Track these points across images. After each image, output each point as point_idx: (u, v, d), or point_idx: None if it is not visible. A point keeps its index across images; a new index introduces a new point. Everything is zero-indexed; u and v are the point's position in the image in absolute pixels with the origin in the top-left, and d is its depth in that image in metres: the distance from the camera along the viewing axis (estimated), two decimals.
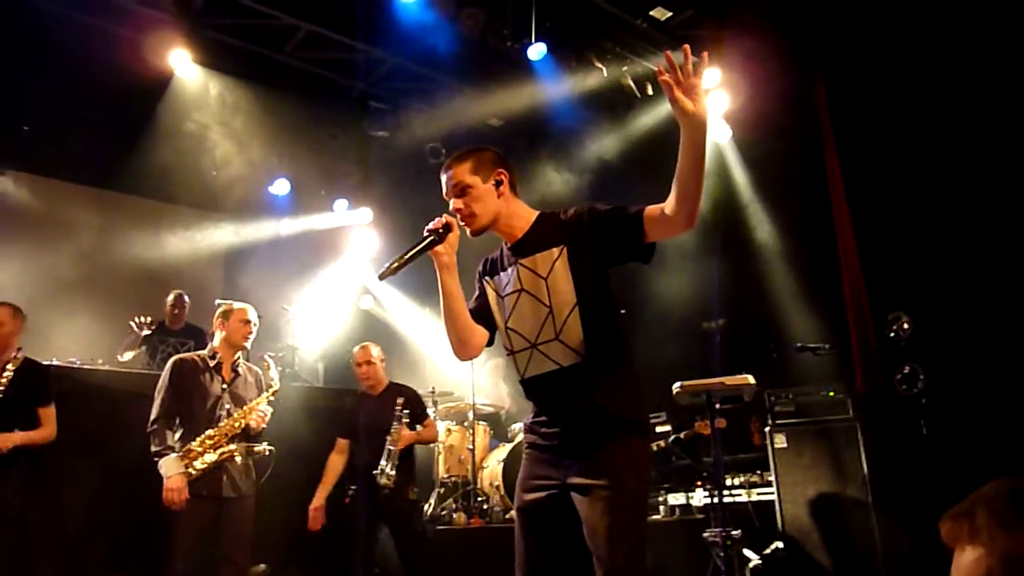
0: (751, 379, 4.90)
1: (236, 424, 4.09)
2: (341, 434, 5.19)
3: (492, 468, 6.14)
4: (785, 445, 5.69)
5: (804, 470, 5.59)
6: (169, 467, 3.89)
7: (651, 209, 2.22)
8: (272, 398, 4.29)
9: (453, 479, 6.11)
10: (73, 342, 6.21)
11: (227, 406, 4.14)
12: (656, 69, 2.05)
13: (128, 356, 5.70)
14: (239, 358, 4.35)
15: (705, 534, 5.05)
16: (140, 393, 4.39)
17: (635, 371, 2.38)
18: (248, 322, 4.31)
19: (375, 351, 5.26)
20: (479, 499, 5.91)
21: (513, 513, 2.42)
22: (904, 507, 5.11)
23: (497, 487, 5.97)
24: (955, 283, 5.51)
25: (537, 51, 6.60)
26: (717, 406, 5.08)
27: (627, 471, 2.21)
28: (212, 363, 4.23)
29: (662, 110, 7.27)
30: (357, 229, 8.51)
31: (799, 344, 5.91)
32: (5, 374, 4.21)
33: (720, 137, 7.23)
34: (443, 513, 5.75)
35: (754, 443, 6.24)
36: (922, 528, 4.60)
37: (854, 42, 6.27)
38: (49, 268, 6.68)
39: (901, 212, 5.90)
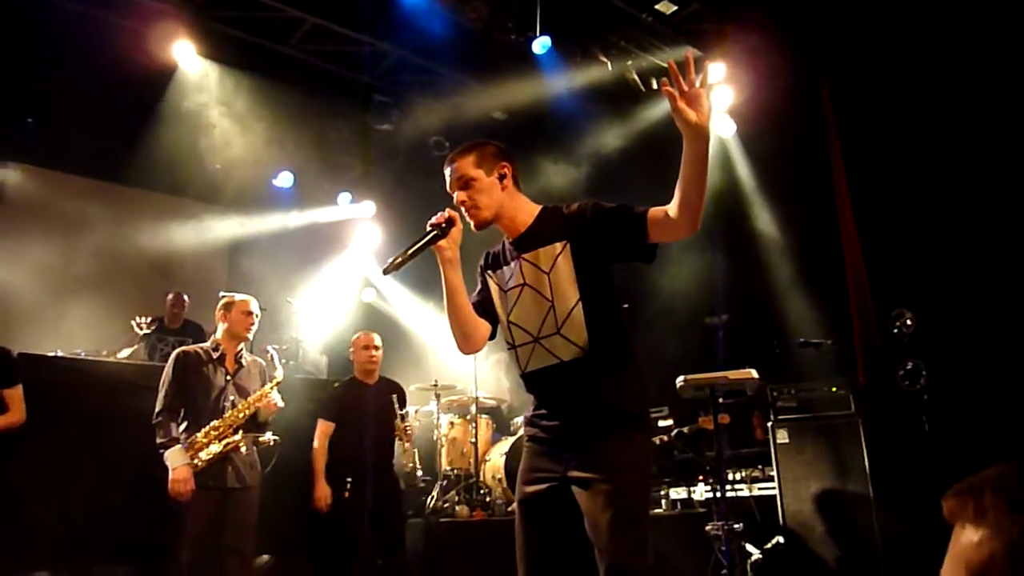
0: (754, 373, 4.91)
1: (240, 415, 4.11)
2: (329, 418, 5.06)
3: (494, 461, 6.16)
4: (787, 440, 5.71)
5: (806, 465, 5.61)
6: (175, 458, 3.90)
7: (655, 211, 2.22)
8: (276, 389, 4.29)
9: (456, 472, 6.13)
10: (78, 334, 6.22)
11: (231, 397, 4.16)
12: (662, 81, 2.05)
13: (126, 353, 5.71)
14: (242, 350, 4.37)
15: (707, 528, 5.07)
16: (145, 385, 4.41)
17: (637, 366, 2.38)
18: (250, 314, 4.32)
19: (377, 338, 5.28)
20: (481, 492, 5.94)
21: (515, 506, 2.42)
22: (905, 503, 5.11)
23: (499, 480, 5.99)
24: (958, 279, 5.50)
25: (541, 44, 6.58)
26: (720, 400, 5.10)
27: (629, 465, 2.22)
28: (215, 355, 4.25)
29: (667, 105, 7.21)
30: (360, 222, 8.52)
31: (802, 339, 5.92)
32: None
33: (724, 132, 7.22)
34: (445, 506, 5.77)
35: (756, 438, 6.26)
36: (923, 524, 4.60)
37: (858, 38, 6.25)
38: (53, 260, 6.69)
39: (905, 208, 5.89)
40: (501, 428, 6.89)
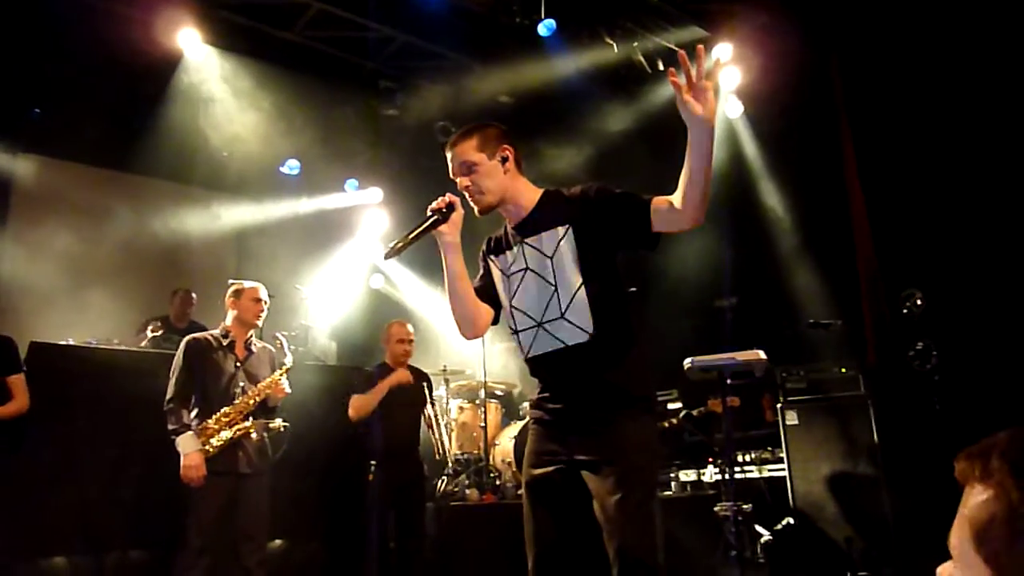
0: (762, 354, 4.88)
1: (251, 401, 4.13)
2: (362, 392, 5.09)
3: (504, 445, 6.18)
4: (797, 421, 5.71)
5: (816, 446, 5.61)
6: (186, 445, 3.94)
7: (659, 201, 2.21)
8: (286, 375, 4.32)
9: (466, 456, 6.16)
10: (88, 321, 6.24)
11: (241, 384, 4.18)
12: (669, 71, 2.03)
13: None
14: (252, 336, 4.39)
15: (716, 509, 5.08)
16: (156, 372, 4.42)
17: (642, 348, 2.38)
18: (259, 300, 4.35)
19: (411, 328, 5.34)
20: (491, 475, 5.96)
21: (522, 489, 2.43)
22: (916, 484, 5.10)
23: (509, 464, 6.01)
24: (969, 258, 5.46)
25: (546, 26, 6.54)
26: (728, 382, 5.08)
27: (636, 447, 2.22)
28: (225, 342, 4.27)
29: (672, 86, 7.17)
30: (368, 208, 8.51)
31: (811, 320, 5.89)
32: None
33: (731, 112, 7.17)
34: (456, 490, 5.80)
35: (766, 419, 6.25)
36: (933, 504, 4.59)
37: (868, 17, 6.18)
38: (62, 248, 6.71)
39: (914, 187, 5.85)
40: (510, 412, 6.91)
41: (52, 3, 6.10)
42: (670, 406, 6.57)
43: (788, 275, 6.70)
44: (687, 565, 4.95)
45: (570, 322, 2.30)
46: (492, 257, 2.53)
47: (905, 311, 5.60)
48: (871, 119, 6.29)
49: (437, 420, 5.41)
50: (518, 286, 2.41)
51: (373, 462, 4.94)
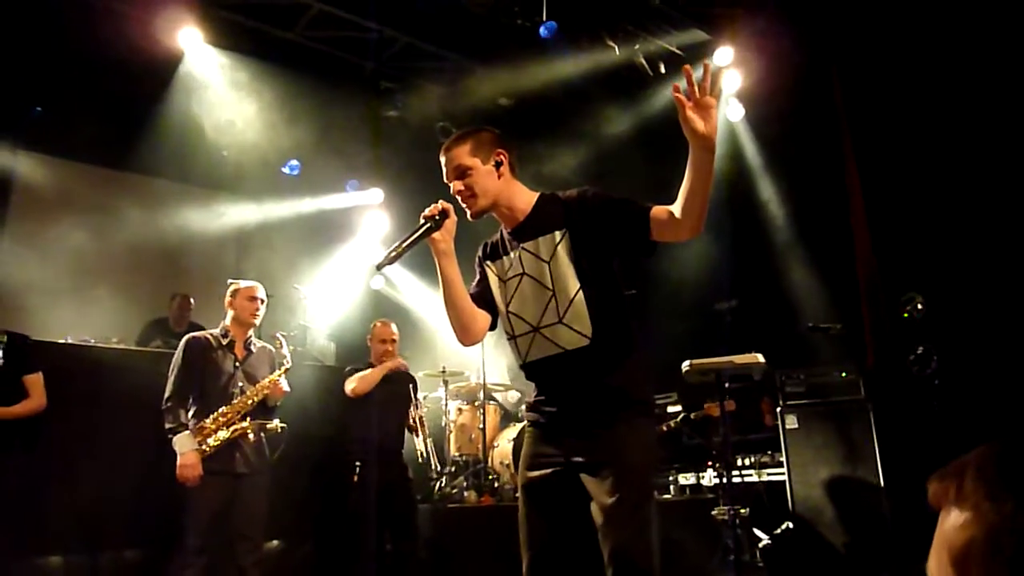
0: (760, 358, 4.89)
1: (249, 401, 4.12)
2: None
3: (502, 447, 6.17)
4: (796, 425, 5.69)
5: (815, 451, 5.59)
6: (183, 444, 3.93)
7: (658, 210, 2.19)
8: (284, 375, 4.30)
9: (464, 458, 6.15)
10: (87, 320, 6.24)
11: (240, 383, 4.17)
12: (673, 85, 2.02)
13: None
14: (251, 336, 4.37)
15: (715, 513, 5.06)
16: (155, 371, 4.41)
17: (641, 352, 2.36)
18: (255, 299, 4.32)
19: (395, 329, 5.32)
20: (490, 477, 5.95)
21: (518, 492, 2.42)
22: (916, 489, 5.04)
23: (507, 466, 6.00)
24: (969, 263, 5.45)
25: (547, 28, 6.53)
26: (727, 385, 5.08)
27: (633, 449, 2.21)
28: (224, 341, 4.26)
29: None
30: (368, 209, 8.51)
31: (811, 324, 5.88)
32: None
33: (733, 115, 7.17)
34: (454, 491, 5.78)
35: (765, 423, 6.24)
36: (933, 510, 4.57)
37: (868, 21, 6.18)
38: (62, 247, 6.71)
39: (915, 191, 5.83)
40: (509, 414, 6.90)
41: (53, 2, 6.10)
42: (669, 409, 6.56)
43: (787, 278, 6.70)
44: (685, 569, 4.93)
45: (568, 327, 2.28)
46: (488, 262, 2.51)
47: (905, 315, 5.58)
48: (871, 123, 6.28)
49: (422, 422, 5.38)
50: (515, 291, 2.39)
51: (358, 463, 4.93)
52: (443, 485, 5.78)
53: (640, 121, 7.48)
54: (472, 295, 2.45)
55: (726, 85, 6.98)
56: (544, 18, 6.47)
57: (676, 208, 2.13)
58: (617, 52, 7.08)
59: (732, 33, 6.85)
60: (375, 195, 8.47)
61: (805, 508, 5.54)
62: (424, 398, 6.50)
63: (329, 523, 5.29)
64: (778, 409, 5.79)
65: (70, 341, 5.17)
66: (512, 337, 2.42)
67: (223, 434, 4.02)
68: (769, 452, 6.05)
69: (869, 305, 6.14)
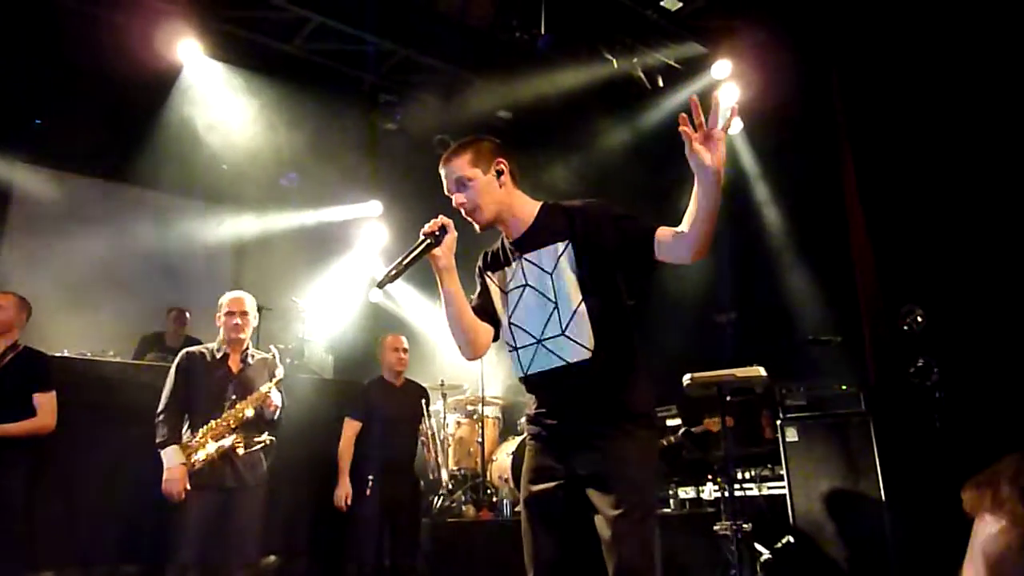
0: (762, 371, 4.88)
1: (239, 415, 4.07)
2: (357, 417, 5.08)
3: (501, 461, 6.14)
4: (796, 439, 5.65)
5: (816, 464, 5.55)
6: (169, 458, 3.90)
7: (663, 232, 2.17)
8: (277, 388, 4.25)
9: (463, 472, 6.11)
10: (83, 333, 6.21)
11: (232, 397, 4.13)
12: (680, 117, 1.99)
13: None
14: (248, 348, 4.34)
15: (716, 527, 5.03)
16: (150, 384, 4.39)
17: (642, 365, 2.34)
18: (232, 314, 4.24)
19: (405, 340, 5.31)
20: (488, 492, 5.91)
21: (520, 506, 2.39)
22: (917, 502, 5.06)
23: (506, 480, 5.96)
24: (969, 274, 5.44)
25: (546, 42, 6.54)
26: (728, 399, 5.06)
27: (637, 463, 2.20)
28: (219, 355, 4.23)
29: (672, 102, 7.23)
30: (366, 222, 8.50)
31: (811, 336, 5.87)
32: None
33: (732, 129, 7.17)
34: (452, 506, 5.75)
35: (765, 436, 6.21)
36: (935, 523, 4.55)
37: (868, 33, 6.20)
38: (59, 259, 6.70)
39: (915, 203, 5.83)
40: (508, 428, 6.86)
41: (53, 14, 6.11)
42: (669, 422, 6.52)
43: (787, 290, 6.69)
44: None
45: (571, 339, 2.26)
46: (489, 273, 2.49)
47: (905, 327, 5.56)
48: (870, 135, 6.29)
49: (433, 437, 5.35)
50: (517, 302, 2.37)
51: (371, 477, 4.89)
52: (442, 499, 5.74)
53: (638, 133, 7.49)
54: (474, 307, 2.43)
55: (725, 98, 6.97)
56: (542, 31, 6.48)
57: (681, 231, 2.11)
58: (615, 65, 7.10)
59: (730, 46, 6.87)
60: (374, 207, 8.48)
61: (806, 522, 5.49)
62: None
63: (328, 539, 5.24)
64: (778, 422, 5.75)
65: (67, 354, 5.15)
66: (514, 349, 2.39)
67: (212, 447, 3.98)
68: (769, 465, 6.01)
69: (869, 317, 6.12)
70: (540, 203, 2.43)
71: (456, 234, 2.31)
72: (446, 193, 2.39)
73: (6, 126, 6.63)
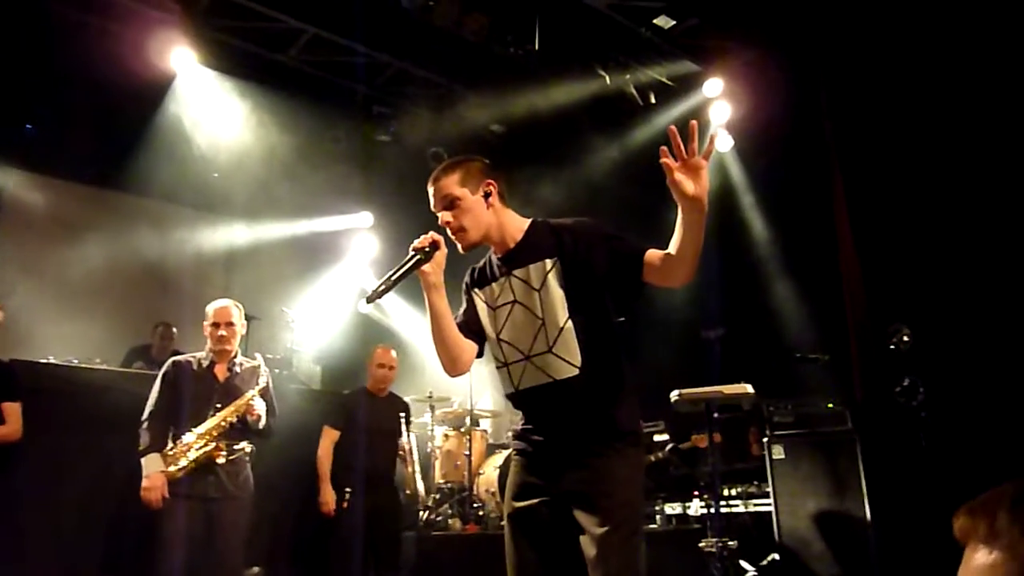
0: (749, 388, 4.89)
1: (222, 423, 4.03)
2: (336, 426, 5.09)
3: (488, 475, 6.11)
4: (783, 456, 5.66)
5: (802, 482, 5.56)
6: (148, 465, 3.87)
7: (652, 255, 2.17)
8: (261, 396, 4.21)
9: (449, 485, 6.08)
10: (71, 340, 6.18)
11: (217, 405, 4.10)
12: (660, 150, 1.97)
13: None
14: (236, 357, 4.31)
15: (701, 544, 5.03)
16: (137, 393, 4.35)
17: (630, 382, 2.34)
18: (217, 324, 4.20)
19: (395, 355, 5.32)
20: (475, 505, 5.89)
21: (504, 521, 2.38)
22: (903, 521, 5.07)
23: (493, 493, 5.94)
24: (957, 294, 5.47)
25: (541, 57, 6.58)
26: (715, 415, 5.07)
27: (623, 481, 2.19)
28: (206, 363, 4.21)
29: (664, 119, 7.27)
30: (357, 233, 8.50)
31: (798, 354, 5.89)
32: None
33: (722, 146, 7.22)
34: (438, 519, 5.72)
35: (752, 453, 6.22)
36: (920, 542, 4.57)
37: (858, 53, 6.25)
38: (49, 266, 6.67)
39: (903, 223, 5.87)
40: (496, 441, 6.85)
41: (45, 20, 6.10)
42: (656, 438, 6.52)
43: (775, 307, 6.71)
44: None
45: (558, 356, 2.26)
46: (476, 290, 2.47)
47: (892, 346, 5.59)
48: (860, 154, 6.32)
49: (411, 452, 5.33)
50: (506, 319, 2.36)
51: (348, 489, 4.88)
52: (428, 512, 5.72)
53: (630, 149, 7.52)
54: (459, 324, 2.42)
55: (716, 116, 7.04)
56: (536, 46, 6.52)
57: (668, 255, 2.12)
58: (608, 81, 7.14)
59: (722, 65, 6.92)
60: (365, 218, 8.47)
61: (791, 540, 5.49)
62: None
63: (312, 549, 5.21)
64: (765, 439, 5.77)
65: (52, 361, 5.12)
66: (504, 365, 2.38)
67: (192, 455, 3.95)
68: (755, 482, 6.01)
69: (856, 336, 6.15)
70: (529, 220, 2.43)
71: (447, 250, 2.31)
72: (433, 210, 2.39)
73: None
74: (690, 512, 6.21)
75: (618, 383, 2.30)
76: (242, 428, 4.11)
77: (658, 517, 6.28)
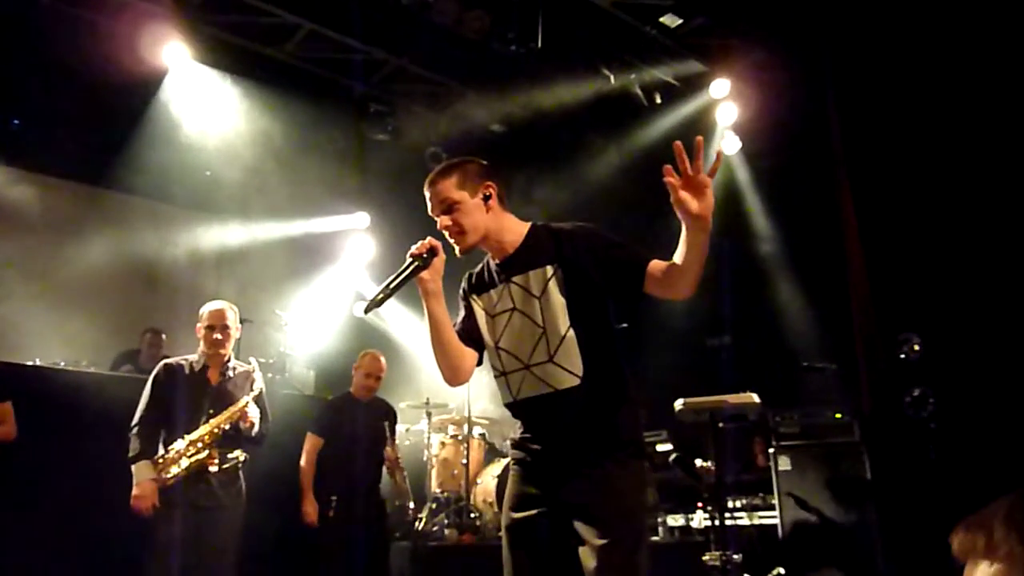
0: (755, 398, 4.83)
1: (215, 430, 3.91)
2: (320, 433, 4.96)
3: (486, 484, 5.98)
4: (789, 467, 5.60)
5: (808, 493, 5.51)
6: (139, 473, 3.78)
7: (655, 265, 2.14)
8: (255, 402, 4.08)
9: (446, 494, 5.95)
10: (59, 342, 6.08)
11: (210, 411, 3.97)
12: (665, 168, 1.92)
13: None
14: (230, 361, 4.17)
15: (705, 558, 4.94)
16: (126, 397, 4.23)
17: (632, 391, 2.30)
18: (212, 327, 4.09)
19: (384, 362, 5.18)
20: (472, 515, 5.76)
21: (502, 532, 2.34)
22: (910, 534, 5.00)
23: (490, 503, 5.81)
24: (967, 304, 5.40)
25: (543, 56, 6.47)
26: (720, 425, 4.99)
27: (626, 492, 2.16)
28: (198, 367, 4.08)
29: (669, 120, 7.17)
30: (353, 234, 8.38)
31: (805, 363, 5.80)
32: None
33: (729, 148, 7.13)
34: (435, 529, 5.60)
35: (757, 464, 6.14)
36: (929, 555, 4.46)
37: (866, 54, 6.18)
38: (36, 265, 6.55)
39: (912, 229, 5.80)
40: (494, 449, 6.70)
41: (34, 15, 5.98)
42: (660, 447, 6.41)
43: (782, 315, 6.65)
44: None
45: (558, 365, 2.21)
46: (475, 296, 2.42)
47: (901, 356, 5.51)
48: (868, 157, 6.28)
49: (397, 461, 5.19)
50: (505, 327, 2.31)
51: (334, 497, 4.76)
52: (423, 522, 5.58)
53: (634, 150, 7.44)
54: (458, 332, 2.37)
55: (722, 117, 6.94)
56: (539, 44, 6.39)
57: (671, 268, 2.07)
58: (613, 81, 7.06)
59: (729, 65, 6.86)
60: (361, 219, 8.35)
61: (797, 553, 5.41)
62: (407, 430, 6.33)
63: (300, 557, 5.09)
64: (771, 450, 5.67)
65: (39, 363, 4.99)
66: (502, 374, 2.33)
67: (184, 463, 3.84)
68: (760, 494, 5.92)
69: (864, 345, 6.06)
70: (529, 224, 2.38)
71: (445, 256, 2.26)
72: (430, 214, 2.34)
73: None
74: (693, 524, 6.10)
75: (620, 393, 2.26)
76: (235, 435, 3.99)
77: (660, 529, 6.17)
